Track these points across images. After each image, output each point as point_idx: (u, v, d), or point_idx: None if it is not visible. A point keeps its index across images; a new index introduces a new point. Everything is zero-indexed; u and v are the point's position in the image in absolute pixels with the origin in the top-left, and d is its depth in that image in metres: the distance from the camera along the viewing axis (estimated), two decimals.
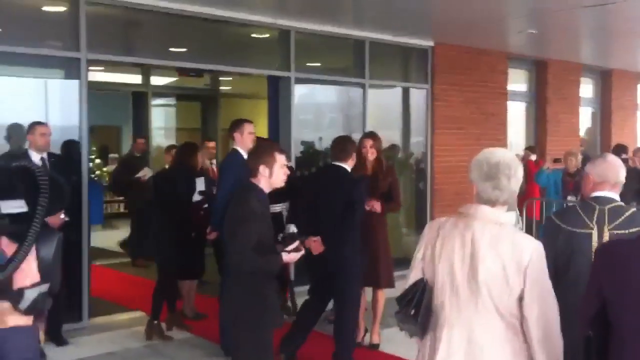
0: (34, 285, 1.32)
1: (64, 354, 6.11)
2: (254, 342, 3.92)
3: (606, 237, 3.29)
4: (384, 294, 6.37)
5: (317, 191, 5.71)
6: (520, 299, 2.60)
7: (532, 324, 2.59)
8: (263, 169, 4.03)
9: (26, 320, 1.34)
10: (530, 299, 2.59)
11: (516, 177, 2.71)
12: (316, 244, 5.48)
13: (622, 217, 3.34)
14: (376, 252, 6.15)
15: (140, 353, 6.18)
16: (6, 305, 1.30)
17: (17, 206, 1.31)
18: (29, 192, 1.30)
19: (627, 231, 3.24)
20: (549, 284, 2.66)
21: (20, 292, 1.30)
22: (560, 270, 3.39)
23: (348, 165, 5.67)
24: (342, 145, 5.74)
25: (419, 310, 2.72)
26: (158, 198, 6.68)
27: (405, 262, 3.06)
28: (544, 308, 2.61)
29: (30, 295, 1.31)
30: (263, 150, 4.19)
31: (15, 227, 1.41)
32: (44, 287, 1.30)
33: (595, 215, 3.37)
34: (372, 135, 6.43)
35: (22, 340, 1.33)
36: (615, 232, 3.29)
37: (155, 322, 6.50)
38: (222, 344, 5.87)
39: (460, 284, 2.68)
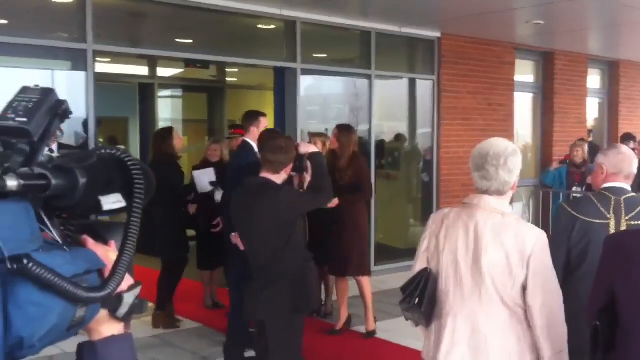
0: (130, 289, 1.19)
1: (72, 344, 6.12)
2: (292, 326, 4.06)
3: (624, 228, 3.29)
4: (367, 282, 6.46)
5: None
6: (524, 288, 2.62)
7: (535, 313, 2.61)
8: (287, 169, 4.10)
9: (120, 329, 1.20)
10: (534, 288, 2.60)
11: (506, 168, 2.69)
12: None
13: (639, 208, 3.34)
14: (346, 242, 6.20)
15: (149, 343, 6.22)
16: (103, 313, 1.16)
17: (116, 201, 1.16)
18: (123, 183, 1.16)
19: None
20: (552, 272, 2.68)
21: (119, 297, 1.16)
22: (574, 260, 3.39)
23: None
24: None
25: (423, 300, 2.74)
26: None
27: (412, 252, 3.07)
28: (547, 297, 2.62)
29: (128, 300, 1.17)
30: (292, 148, 4.22)
31: (99, 223, 1.26)
32: (138, 290, 1.17)
33: (612, 206, 3.37)
34: (334, 130, 6.55)
35: (121, 352, 1.21)
36: (633, 222, 3.29)
37: (159, 312, 6.54)
38: (229, 334, 5.83)
39: (464, 274, 2.70)
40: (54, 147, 6.18)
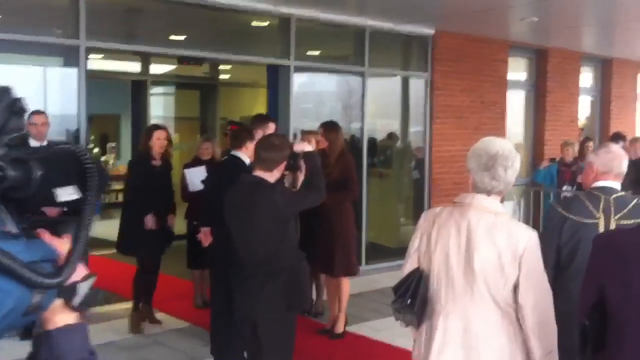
0: (84, 279, 1.23)
1: None
2: (286, 324, 4.07)
3: (613, 227, 3.30)
4: (347, 283, 6.45)
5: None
6: (515, 287, 2.63)
7: (527, 313, 2.62)
8: (280, 167, 4.10)
9: (75, 318, 1.24)
10: (526, 287, 2.61)
11: (513, 169, 2.73)
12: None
13: (628, 207, 3.35)
14: (331, 242, 6.18)
15: (140, 343, 6.20)
16: (58, 302, 1.20)
17: (71, 193, 1.23)
18: (78, 177, 1.24)
19: (632, 221, 3.24)
20: (543, 273, 2.70)
21: (73, 286, 1.20)
22: (564, 260, 3.40)
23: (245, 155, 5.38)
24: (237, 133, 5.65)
25: (415, 300, 2.74)
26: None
27: (403, 251, 3.07)
28: (538, 297, 2.64)
29: (82, 290, 1.22)
30: (286, 146, 4.20)
31: (54, 218, 1.34)
32: (92, 280, 1.22)
33: (602, 205, 3.38)
34: (320, 129, 6.51)
35: (77, 340, 1.24)
36: (622, 222, 3.30)
37: (133, 313, 6.51)
38: (212, 334, 5.71)
39: (456, 273, 2.70)
40: (45, 144, 6.16)
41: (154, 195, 6.23)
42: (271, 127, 5.86)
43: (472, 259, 2.66)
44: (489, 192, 2.74)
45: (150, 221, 6.17)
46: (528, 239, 2.64)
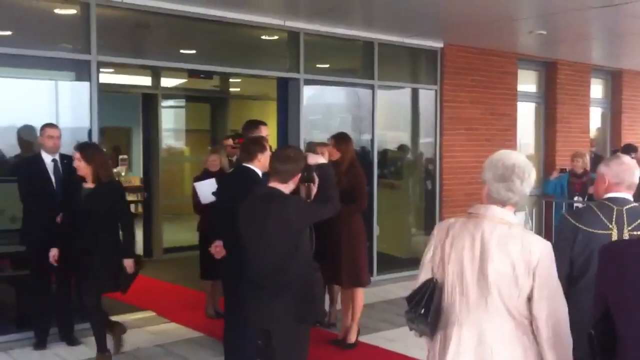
0: None
1: (76, 354, 6.17)
2: (300, 336, 4.06)
3: (626, 238, 3.29)
4: (362, 294, 6.44)
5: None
6: (529, 298, 2.63)
7: (541, 324, 2.62)
8: (295, 179, 4.11)
9: None
10: (540, 298, 2.61)
11: (528, 181, 2.76)
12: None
13: None
14: (339, 252, 6.18)
15: (152, 353, 6.22)
16: None
17: None
18: None
19: None
20: (558, 283, 2.69)
21: None
22: (577, 271, 3.39)
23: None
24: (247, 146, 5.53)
25: (428, 310, 2.74)
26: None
27: (415, 262, 3.07)
28: (553, 308, 2.63)
29: None
30: (301, 158, 4.21)
31: None
32: None
33: (614, 216, 3.37)
34: (331, 140, 6.54)
35: None
36: (635, 232, 3.29)
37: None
38: (225, 344, 5.64)
39: (470, 284, 2.70)
40: (57, 157, 6.21)
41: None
42: (264, 130, 5.92)
43: (485, 269, 2.66)
44: (503, 204, 2.76)
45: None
46: (542, 249, 2.64)
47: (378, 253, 9.24)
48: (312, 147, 7.30)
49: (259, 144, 5.43)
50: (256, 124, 6.04)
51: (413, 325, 2.82)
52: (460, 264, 2.74)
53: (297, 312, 3.98)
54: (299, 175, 4.17)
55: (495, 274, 2.64)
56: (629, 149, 9.63)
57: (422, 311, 2.75)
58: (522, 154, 2.90)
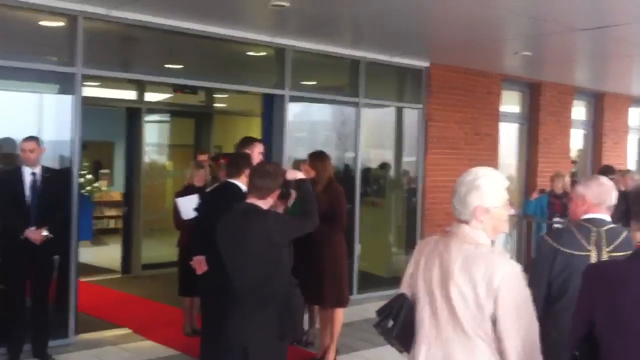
0: None
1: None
2: (278, 352, 4.06)
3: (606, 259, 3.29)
4: (341, 313, 6.41)
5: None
6: (494, 321, 2.55)
7: (508, 347, 2.53)
8: (274, 195, 4.09)
9: None
10: (504, 321, 2.53)
11: (479, 191, 2.66)
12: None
13: (619, 239, 3.35)
14: (321, 272, 6.14)
15: None
16: None
17: None
18: None
19: (624, 253, 3.23)
20: (527, 305, 2.59)
21: None
22: (555, 292, 3.39)
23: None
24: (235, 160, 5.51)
25: (396, 324, 2.72)
26: None
27: (396, 281, 3.06)
28: (520, 330, 2.54)
29: None
30: (280, 174, 4.20)
31: None
32: None
33: (594, 238, 3.38)
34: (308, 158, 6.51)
35: None
36: (614, 254, 3.30)
37: None
38: None
39: (439, 304, 2.67)
40: (37, 170, 6.15)
41: None
42: (258, 147, 5.84)
43: (449, 291, 2.61)
44: (464, 220, 2.70)
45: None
46: (506, 271, 2.55)
47: (359, 272, 9.22)
48: (299, 165, 7.30)
49: (247, 160, 5.41)
50: (251, 141, 5.98)
51: (385, 338, 2.82)
52: (429, 284, 2.71)
53: (276, 329, 3.96)
54: (278, 191, 4.16)
55: (457, 296, 2.59)
56: (607, 171, 9.69)
57: (390, 324, 2.73)
58: (489, 169, 2.77)
